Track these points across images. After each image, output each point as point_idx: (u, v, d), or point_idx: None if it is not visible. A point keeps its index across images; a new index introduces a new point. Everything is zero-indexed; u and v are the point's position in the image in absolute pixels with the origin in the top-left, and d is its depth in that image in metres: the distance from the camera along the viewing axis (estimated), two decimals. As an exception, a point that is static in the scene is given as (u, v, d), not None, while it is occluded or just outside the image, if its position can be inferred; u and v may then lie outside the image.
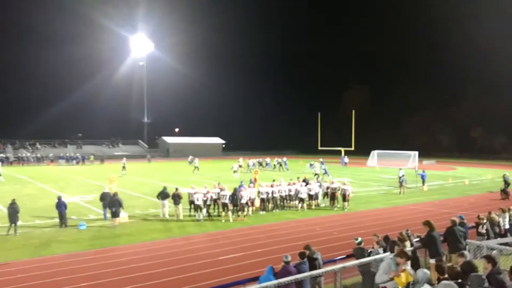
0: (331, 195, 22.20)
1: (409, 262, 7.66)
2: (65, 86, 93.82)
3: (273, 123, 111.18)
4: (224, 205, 18.97)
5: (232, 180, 34.26)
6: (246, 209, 19.62)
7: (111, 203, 17.78)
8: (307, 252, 9.13)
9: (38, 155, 68.32)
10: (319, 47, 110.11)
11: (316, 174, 37.99)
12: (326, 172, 39.80)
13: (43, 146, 78.45)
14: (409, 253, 7.84)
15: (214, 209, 20.28)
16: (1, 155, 65.97)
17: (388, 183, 34.79)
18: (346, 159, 56.99)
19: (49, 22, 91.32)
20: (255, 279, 8.53)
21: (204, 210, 19.16)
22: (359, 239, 10.00)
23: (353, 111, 60.66)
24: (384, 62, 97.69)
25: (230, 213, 18.92)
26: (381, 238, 10.21)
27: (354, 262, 8.42)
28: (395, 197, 26.96)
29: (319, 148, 65.33)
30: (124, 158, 49.43)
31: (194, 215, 19.33)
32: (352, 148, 60.46)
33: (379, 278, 7.45)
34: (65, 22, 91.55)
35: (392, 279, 7.19)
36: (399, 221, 18.95)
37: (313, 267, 8.79)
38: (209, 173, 43.48)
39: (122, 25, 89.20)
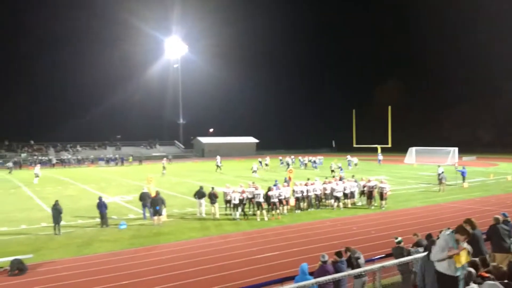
0: (368, 194, 21.86)
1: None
2: (104, 89, 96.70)
3: (307, 121, 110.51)
4: (259, 204, 19.05)
5: (267, 179, 34.34)
6: (280, 208, 19.64)
7: (154, 201, 18.22)
8: (348, 252, 9.06)
9: (79, 157, 70.72)
10: (352, 44, 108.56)
11: (332, 170, 38.99)
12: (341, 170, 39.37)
13: (84, 148, 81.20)
14: (470, 230, 6.95)
15: (249, 208, 20.40)
16: (44, 157, 68.68)
17: (427, 180, 33.89)
18: (380, 156, 56.00)
19: (88, 27, 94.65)
20: (291, 278, 8.54)
21: (240, 209, 19.31)
22: (399, 238, 9.82)
23: (389, 107, 59.47)
24: (420, 56, 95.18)
25: (264, 212, 18.98)
26: (422, 237, 9.98)
27: (393, 261, 8.27)
28: (434, 194, 26.25)
29: (354, 145, 64.45)
30: (164, 159, 50.69)
31: (230, 214, 19.51)
32: (389, 145, 59.26)
33: (435, 255, 6.68)
34: (104, 26, 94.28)
35: (450, 257, 6.44)
36: (439, 219, 18.45)
37: (356, 266, 8.71)
38: (235, 172, 43.69)
39: (158, 28, 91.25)
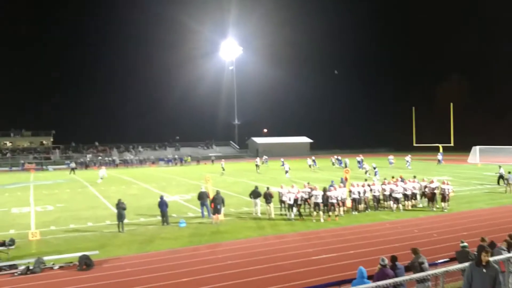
0: (430, 195, 21.01)
1: None
2: (163, 92, 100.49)
3: (364, 120, 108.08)
4: (316, 205, 18.89)
5: (322, 180, 33.99)
6: (337, 209, 19.37)
7: (214, 200, 18.67)
8: (414, 254, 8.80)
9: (141, 158, 73.66)
10: (412, 39, 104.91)
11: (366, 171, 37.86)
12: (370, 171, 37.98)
13: (145, 149, 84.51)
14: None
15: (304, 208, 20.30)
16: (108, 158, 72.24)
17: (493, 181, 32.00)
18: (440, 156, 53.33)
19: (148, 31, 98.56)
20: (348, 281, 8.42)
21: (295, 209, 19.25)
22: (464, 242, 9.39)
23: (451, 104, 56.78)
24: (482, 50, 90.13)
25: (321, 213, 18.80)
26: (490, 242, 9.48)
27: (458, 266, 7.91)
28: (500, 196, 24.79)
29: (414, 144, 62.16)
30: (223, 160, 51.65)
31: (285, 214, 19.52)
32: (451, 144, 56.60)
33: None
34: (163, 30, 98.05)
35: None
36: (506, 222, 17.41)
37: (419, 271, 8.44)
38: (289, 173, 43.51)
39: (214, 30, 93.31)
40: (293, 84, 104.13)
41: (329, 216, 18.99)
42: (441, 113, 64.57)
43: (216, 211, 18.52)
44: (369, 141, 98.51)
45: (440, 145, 57.84)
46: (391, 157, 51.68)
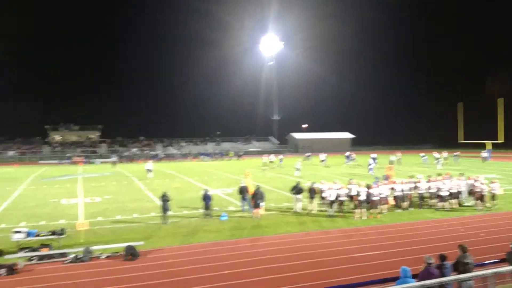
0: (477, 194, 20.21)
1: None
2: (205, 88, 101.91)
3: (408, 116, 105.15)
4: (360, 202, 18.55)
5: (365, 176, 33.46)
6: (380, 206, 19.01)
7: (254, 195, 18.82)
8: (461, 252, 8.53)
9: (183, 152, 75.15)
10: (457, 30, 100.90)
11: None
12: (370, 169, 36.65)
13: (188, 143, 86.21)
14: None
15: (346, 205, 20.05)
16: (152, 152, 74.23)
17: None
18: (485, 153, 50.78)
19: (191, 29, 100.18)
20: (392, 280, 8.27)
21: (336, 206, 19.04)
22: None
23: (501, 100, 54.21)
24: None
25: (364, 210, 18.49)
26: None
27: (509, 267, 7.60)
28: (557, 196, 23.46)
29: (460, 141, 59.92)
30: (272, 155, 51.36)
31: (326, 211, 19.36)
32: (501, 141, 54.11)
33: None
34: (205, 28, 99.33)
35: None
36: None
37: (462, 272, 8.17)
38: (329, 169, 42.97)
39: (254, 26, 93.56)
40: (334, 79, 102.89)
41: (371, 213, 18.67)
42: (490, 109, 61.80)
43: (257, 205, 18.66)
44: (413, 137, 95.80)
45: (487, 142, 55.46)
46: (422, 154, 49.91)
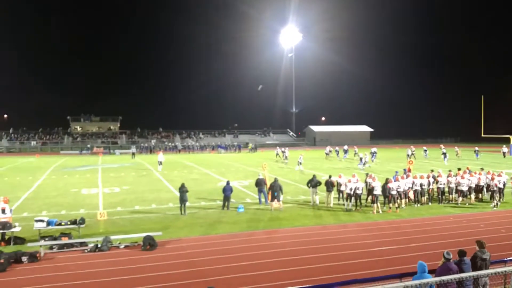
0: (497, 189, 19.80)
1: None
2: (223, 80, 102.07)
3: (428, 109, 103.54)
4: (375, 196, 18.41)
5: (382, 170, 33.16)
6: (398, 201, 18.81)
7: (271, 187, 18.83)
8: (478, 247, 8.39)
9: (201, 144, 75.63)
10: (481, 21, 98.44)
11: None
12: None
13: (205, 135, 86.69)
14: None
15: (364, 199, 19.88)
16: (171, 144, 74.88)
17: None
18: (505, 149, 49.75)
19: (209, 21, 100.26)
20: (409, 274, 8.18)
21: (353, 199, 18.90)
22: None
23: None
24: None
25: (378, 204, 18.28)
26: None
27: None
28: None
29: (483, 135, 58.70)
30: (286, 148, 51.03)
31: (343, 204, 19.25)
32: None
33: None
34: (224, 20, 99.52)
35: None
36: None
37: (478, 267, 8.04)
38: (347, 163, 42.60)
39: (274, 17, 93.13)
40: (353, 71, 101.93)
41: (390, 208, 18.49)
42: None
43: (274, 198, 18.68)
44: (434, 131, 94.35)
45: (511, 136, 54.22)
46: (425, 148, 50.03)
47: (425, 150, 48.47)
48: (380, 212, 18.10)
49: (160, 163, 36.84)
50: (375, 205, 18.33)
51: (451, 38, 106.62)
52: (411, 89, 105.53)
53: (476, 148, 47.77)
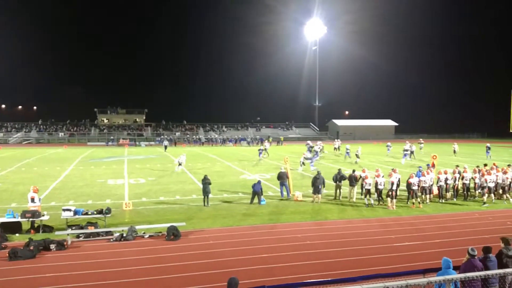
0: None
1: None
2: (247, 73, 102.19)
3: (454, 104, 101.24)
4: (391, 191, 18.00)
5: (407, 165, 32.71)
6: (423, 196, 18.55)
7: (315, 180, 19.05)
8: (502, 244, 8.23)
9: (224, 137, 76.05)
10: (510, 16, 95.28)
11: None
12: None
13: (228, 128, 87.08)
14: None
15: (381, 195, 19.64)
16: (195, 136, 75.54)
17: None
18: None
19: (235, 15, 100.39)
20: (433, 270, 8.09)
21: (375, 195, 18.65)
22: None
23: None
24: None
25: (391, 200, 17.88)
26: None
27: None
28: None
29: (511, 131, 57.10)
30: (319, 142, 48.70)
31: (365, 199, 19.08)
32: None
33: None
34: (249, 13, 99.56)
35: None
36: None
37: (504, 265, 7.90)
38: (371, 157, 42.08)
39: (299, 10, 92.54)
40: (377, 64, 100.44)
41: (413, 203, 18.25)
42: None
43: (317, 191, 18.80)
44: (460, 126, 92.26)
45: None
46: (388, 143, 46.36)
47: (405, 150, 39.54)
48: (393, 208, 17.73)
49: (180, 164, 31.11)
50: (389, 199, 17.99)
51: (480, 30, 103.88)
52: (437, 82, 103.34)
53: (488, 145, 43.11)
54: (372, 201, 18.55)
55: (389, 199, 18.00)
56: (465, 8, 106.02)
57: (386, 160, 38.77)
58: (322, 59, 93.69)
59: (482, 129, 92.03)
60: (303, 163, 31.82)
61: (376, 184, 18.37)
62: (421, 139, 47.73)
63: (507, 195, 19.53)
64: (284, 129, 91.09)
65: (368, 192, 18.53)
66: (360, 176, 19.74)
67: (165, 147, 53.64)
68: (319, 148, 42.27)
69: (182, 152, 37.85)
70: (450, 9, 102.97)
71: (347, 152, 39.79)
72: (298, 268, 10.80)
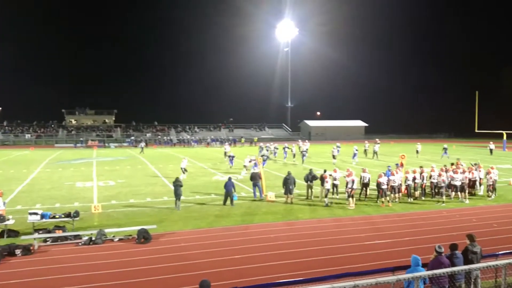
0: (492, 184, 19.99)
1: None
2: (218, 74, 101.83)
3: (422, 104, 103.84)
4: (352, 191, 18.25)
5: (376, 165, 33.33)
6: (392, 195, 18.93)
7: (286, 181, 19.09)
8: (468, 241, 8.47)
9: (197, 138, 75.46)
10: (474, 15, 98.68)
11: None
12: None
13: (201, 129, 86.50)
14: None
15: (360, 194, 19.97)
16: (166, 137, 74.68)
17: None
18: (492, 145, 46.58)
19: (205, 13, 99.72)
20: (403, 268, 8.26)
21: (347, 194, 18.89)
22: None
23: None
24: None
25: (352, 199, 18.17)
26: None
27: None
28: None
29: (476, 131, 58.97)
30: (300, 141, 48.52)
31: (338, 198, 19.30)
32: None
33: None
34: (220, 13, 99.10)
35: None
36: None
37: (469, 261, 8.13)
38: (341, 157, 42.70)
39: (270, 11, 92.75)
40: (348, 65, 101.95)
41: (382, 202, 18.60)
42: (508, 98, 60.58)
43: (288, 191, 18.91)
44: (427, 126, 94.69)
45: (504, 132, 54.52)
46: (337, 145, 41.04)
47: (356, 150, 38.29)
48: (352, 206, 18.01)
49: (184, 171, 27.64)
50: (350, 199, 18.21)
51: (445, 34, 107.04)
52: (406, 83, 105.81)
53: (445, 146, 43.47)
54: (327, 201, 18.57)
55: (350, 199, 18.21)
56: (431, 8, 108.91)
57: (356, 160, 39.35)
58: (294, 60, 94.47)
59: (448, 129, 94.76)
60: (245, 166, 29.14)
61: (347, 183, 18.58)
62: (377, 139, 47.90)
63: (464, 193, 19.99)
64: (257, 129, 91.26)
65: (328, 191, 18.79)
66: (332, 176, 19.95)
67: (142, 149, 51.97)
68: (268, 150, 41.09)
69: (182, 156, 36.18)
70: (418, 13, 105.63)
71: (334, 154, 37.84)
72: (270, 269, 10.81)
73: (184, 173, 27.00)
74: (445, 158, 38.95)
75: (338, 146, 40.43)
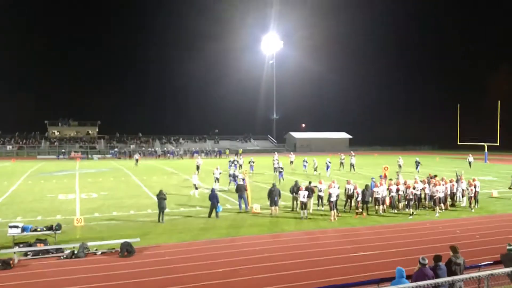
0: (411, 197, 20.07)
1: None
2: (203, 85, 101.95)
3: (406, 117, 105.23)
4: (332, 203, 18.21)
5: (363, 177, 33.55)
6: (376, 207, 19.06)
7: (271, 192, 19.04)
8: (452, 252, 8.55)
9: (182, 149, 75.08)
10: (457, 29, 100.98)
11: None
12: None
13: (186, 141, 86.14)
14: None
15: (345, 206, 20.06)
16: (150, 149, 74.09)
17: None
18: (471, 158, 46.20)
19: (190, 25, 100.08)
20: (387, 280, 8.29)
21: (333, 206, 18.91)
22: (512, 245, 9.02)
23: (499, 102, 54.24)
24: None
25: (334, 211, 18.14)
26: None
27: (504, 269, 7.62)
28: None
29: (459, 143, 59.96)
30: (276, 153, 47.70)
31: (323, 210, 19.32)
32: (497, 143, 54.16)
33: None
34: (205, 24, 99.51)
35: None
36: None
37: (453, 272, 8.20)
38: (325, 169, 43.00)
39: (256, 24, 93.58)
40: (332, 78, 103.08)
41: (367, 213, 18.70)
42: (489, 110, 61.74)
43: (274, 202, 18.85)
44: (411, 138, 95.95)
45: (485, 144, 55.54)
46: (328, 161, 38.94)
47: (329, 162, 37.77)
48: (332, 219, 17.94)
49: (196, 188, 25.64)
50: (332, 212, 18.14)
51: (429, 46, 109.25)
52: (390, 96, 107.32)
53: (417, 159, 42.51)
54: (302, 214, 18.39)
55: (332, 211, 18.13)
56: (414, 22, 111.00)
57: (343, 171, 39.58)
58: (279, 73, 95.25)
59: (433, 141, 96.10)
60: (217, 179, 28.49)
61: (329, 195, 18.52)
62: (352, 152, 47.84)
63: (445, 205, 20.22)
64: (242, 141, 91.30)
65: (304, 204, 18.45)
66: (318, 188, 20.02)
67: (136, 160, 50.72)
68: (238, 162, 39.97)
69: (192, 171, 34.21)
70: (403, 22, 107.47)
71: (304, 165, 39.74)
72: (255, 281, 10.74)
73: (197, 189, 25.18)
74: (420, 170, 39.07)
75: (329, 162, 39.86)
